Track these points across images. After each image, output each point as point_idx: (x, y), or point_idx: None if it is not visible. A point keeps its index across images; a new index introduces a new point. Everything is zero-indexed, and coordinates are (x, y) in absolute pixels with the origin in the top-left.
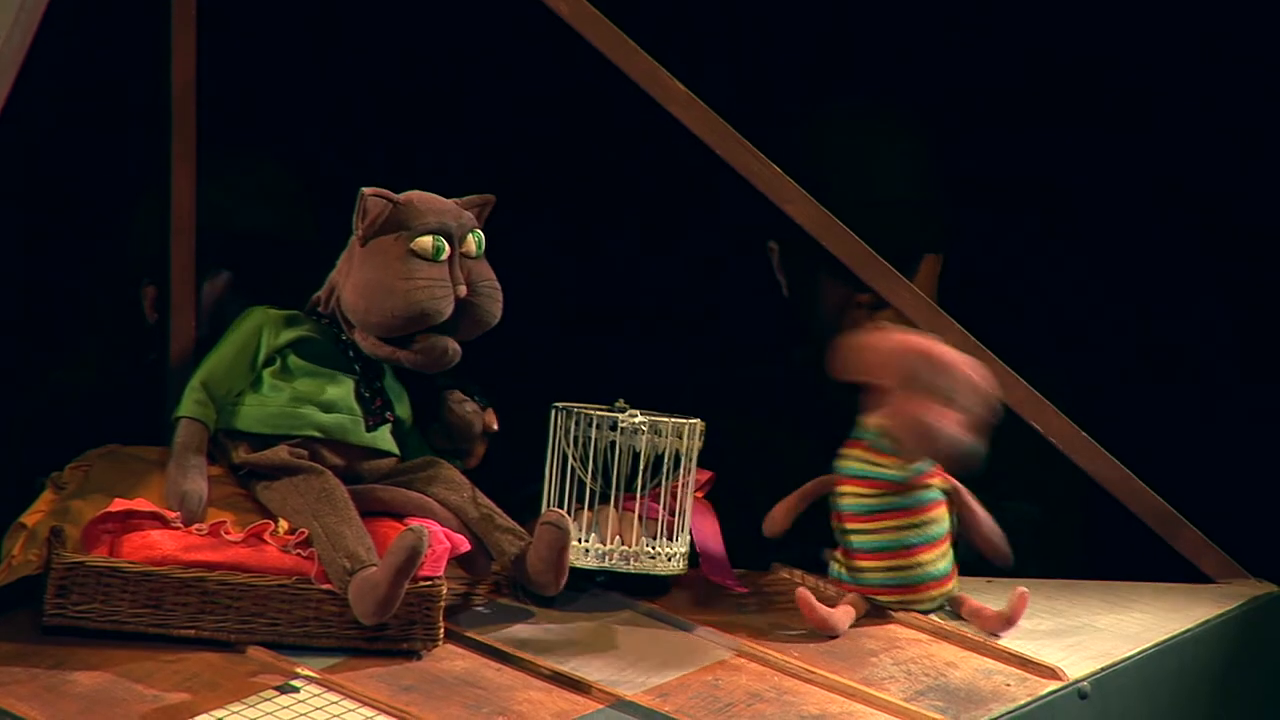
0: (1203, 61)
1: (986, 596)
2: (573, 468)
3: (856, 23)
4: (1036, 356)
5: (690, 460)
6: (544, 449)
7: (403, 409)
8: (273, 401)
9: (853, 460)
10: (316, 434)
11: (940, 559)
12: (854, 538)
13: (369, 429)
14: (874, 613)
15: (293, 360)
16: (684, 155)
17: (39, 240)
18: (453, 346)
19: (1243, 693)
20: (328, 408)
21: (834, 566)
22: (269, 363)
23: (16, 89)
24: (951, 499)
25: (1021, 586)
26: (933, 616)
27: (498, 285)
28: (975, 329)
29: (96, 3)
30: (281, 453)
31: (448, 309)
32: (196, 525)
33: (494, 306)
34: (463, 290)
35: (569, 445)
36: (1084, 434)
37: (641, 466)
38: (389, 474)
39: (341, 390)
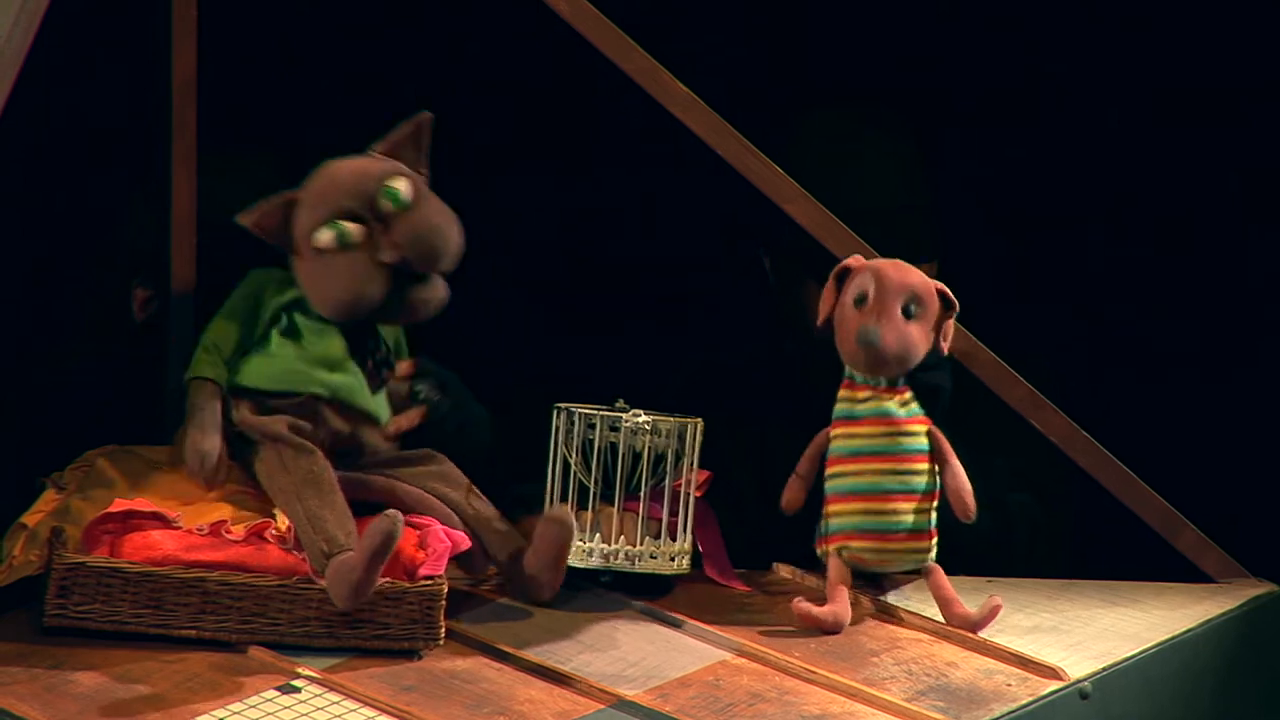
0: (1200, 63)
1: (969, 596)
2: (574, 468)
3: (856, 24)
4: (1036, 356)
5: (692, 460)
6: (543, 449)
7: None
8: (280, 358)
9: (841, 402)
10: (322, 392)
11: (915, 513)
12: (832, 481)
13: (373, 389)
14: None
15: (298, 318)
16: (685, 154)
17: (40, 240)
18: (433, 296)
19: (1244, 692)
20: (334, 366)
21: (821, 525)
22: (275, 320)
23: (17, 89)
24: (933, 447)
25: (998, 598)
26: (929, 616)
27: (438, 217)
28: (974, 328)
29: (97, 3)
30: (280, 425)
31: (376, 289)
32: (196, 525)
33: (438, 240)
34: (389, 256)
35: (570, 446)
36: (1084, 433)
37: (644, 466)
38: (389, 462)
39: (346, 349)
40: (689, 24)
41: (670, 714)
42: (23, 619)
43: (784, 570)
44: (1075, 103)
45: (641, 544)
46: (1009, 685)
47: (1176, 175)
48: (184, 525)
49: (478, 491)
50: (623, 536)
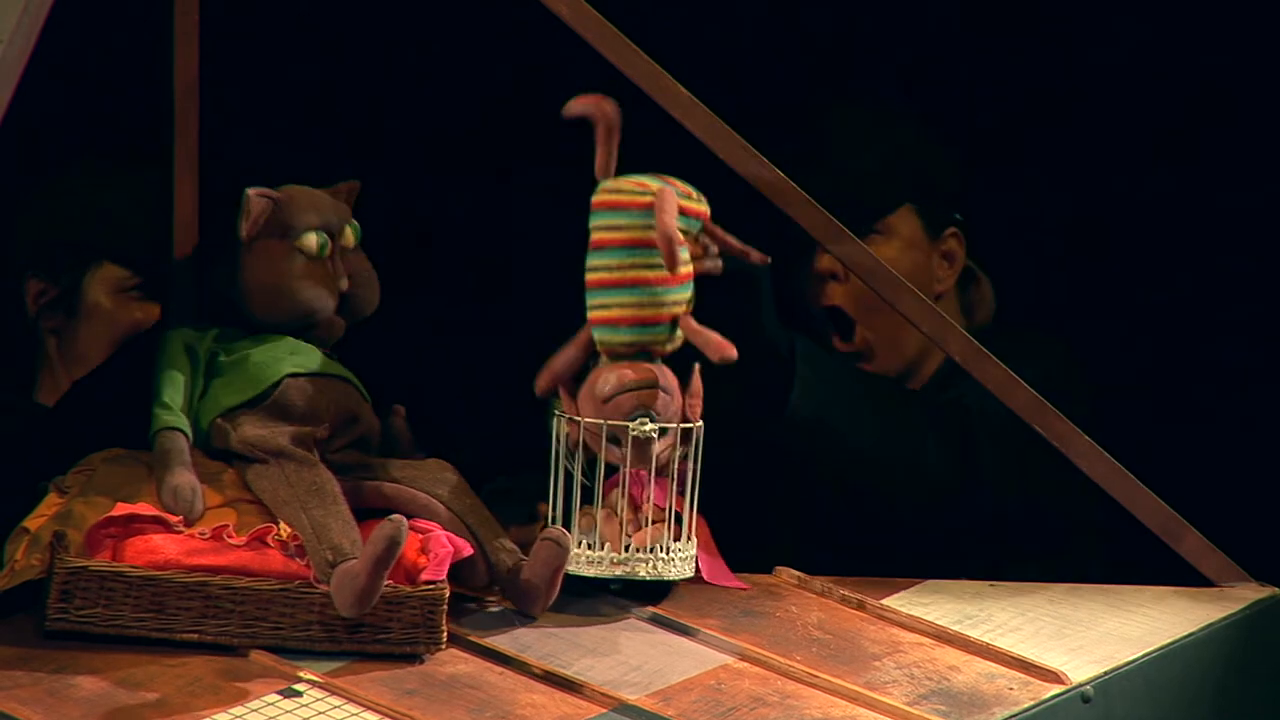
0: (1202, 67)
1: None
2: (575, 474)
3: (860, 25)
4: (1035, 361)
5: (693, 462)
6: (543, 450)
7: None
8: (241, 367)
9: None
10: (295, 370)
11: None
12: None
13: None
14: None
15: (232, 344)
16: (685, 157)
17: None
18: (337, 321)
19: (1245, 696)
20: (290, 350)
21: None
22: (212, 357)
23: (19, 92)
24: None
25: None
26: (930, 620)
27: (374, 274)
28: (976, 330)
29: (99, 5)
30: (283, 438)
31: (332, 305)
32: (199, 529)
33: (372, 295)
34: (345, 284)
35: (571, 448)
36: (1086, 437)
37: (649, 469)
38: (396, 470)
39: (282, 338)
40: (689, 25)
41: (672, 718)
42: (25, 623)
43: (786, 573)
44: (1081, 101)
45: (649, 550)
46: (1011, 689)
47: (1175, 175)
48: (185, 529)
49: (481, 503)
50: (627, 539)
